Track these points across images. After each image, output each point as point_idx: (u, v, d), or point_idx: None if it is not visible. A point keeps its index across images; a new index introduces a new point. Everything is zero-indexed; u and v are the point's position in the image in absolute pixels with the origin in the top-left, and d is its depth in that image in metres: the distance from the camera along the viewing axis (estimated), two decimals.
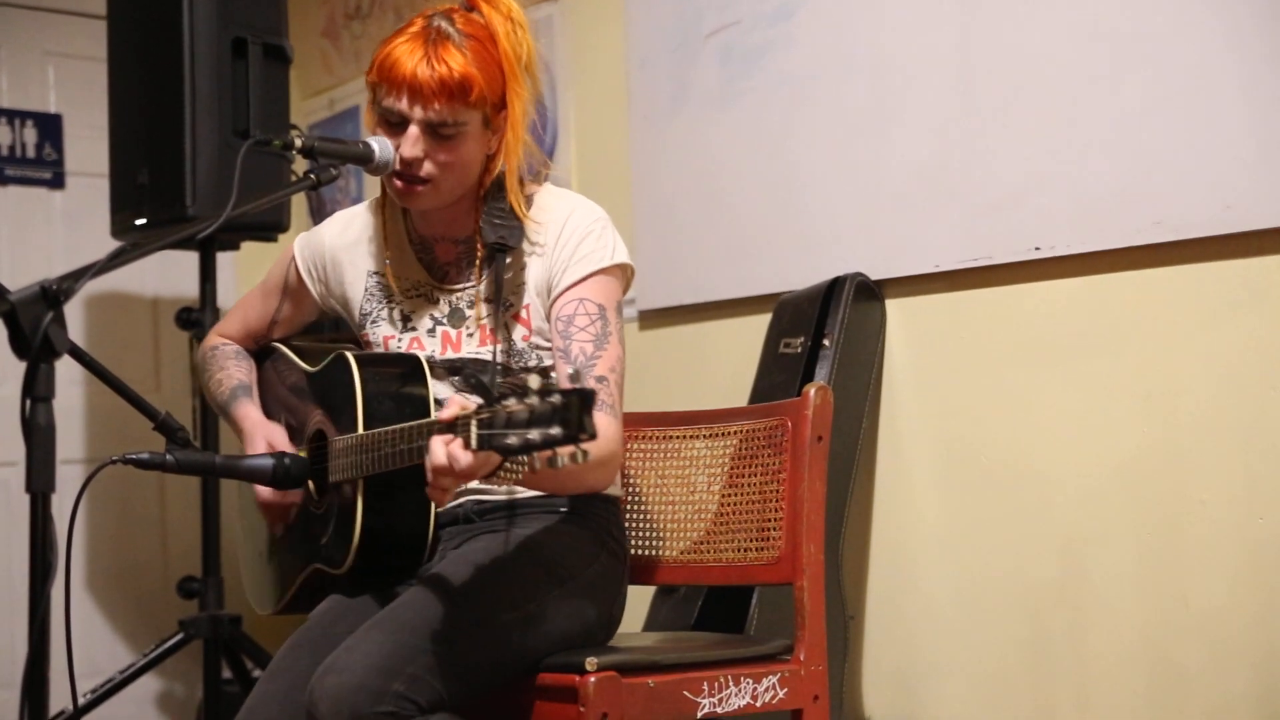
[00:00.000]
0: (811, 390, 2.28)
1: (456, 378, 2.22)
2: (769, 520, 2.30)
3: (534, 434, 1.65)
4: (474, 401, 1.79)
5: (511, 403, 1.68)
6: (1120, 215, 2.60)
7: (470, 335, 2.23)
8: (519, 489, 2.20)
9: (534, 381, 1.67)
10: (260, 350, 2.48)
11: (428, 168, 2.14)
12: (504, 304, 2.20)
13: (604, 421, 2.06)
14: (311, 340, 2.48)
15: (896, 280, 3.04)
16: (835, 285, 3.05)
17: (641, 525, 2.46)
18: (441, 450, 1.81)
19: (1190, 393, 2.55)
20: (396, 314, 2.28)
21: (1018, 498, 2.82)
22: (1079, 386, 2.72)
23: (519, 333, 2.21)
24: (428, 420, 1.93)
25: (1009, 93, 2.79)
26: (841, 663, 3.01)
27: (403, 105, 2.11)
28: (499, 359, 2.19)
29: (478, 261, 2.24)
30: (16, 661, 4.14)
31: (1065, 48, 2.69)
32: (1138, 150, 2.58)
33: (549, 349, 2.21)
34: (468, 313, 2.24)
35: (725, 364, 3.41)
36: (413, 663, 1.92)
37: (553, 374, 2.19)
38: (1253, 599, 2.46)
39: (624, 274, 2.23)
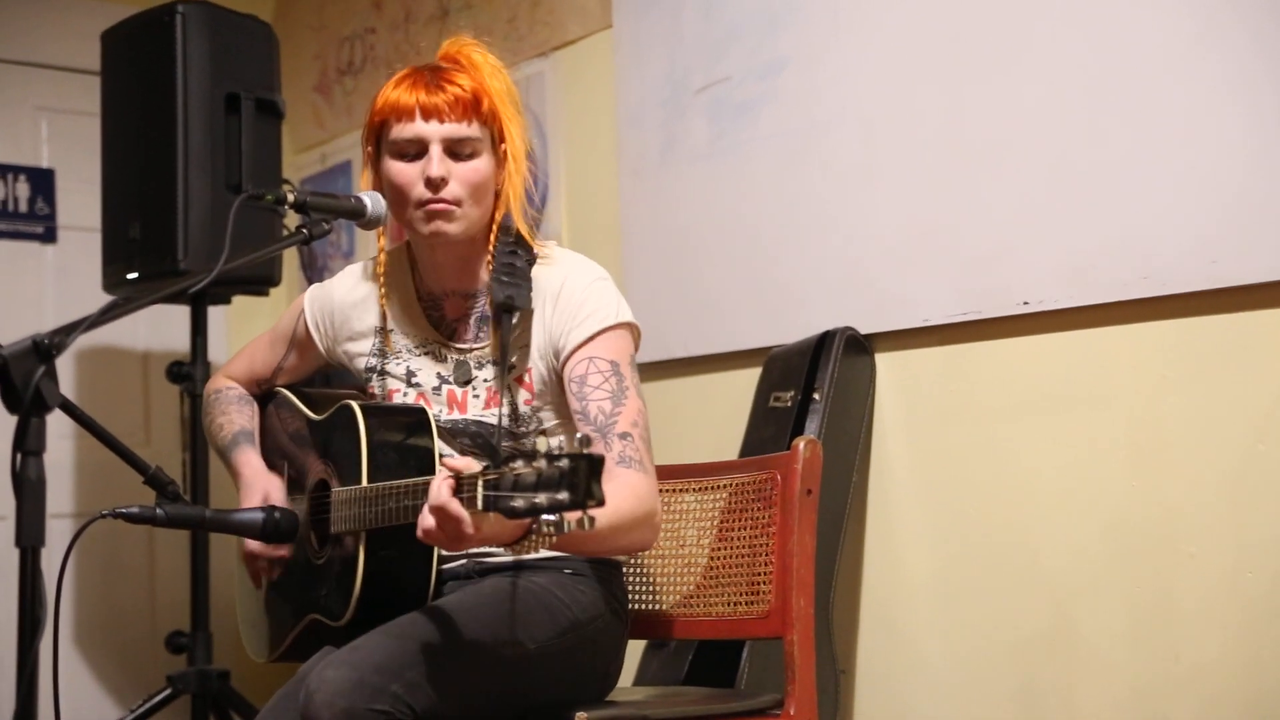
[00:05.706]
0: (801, 444, 2.28)
1: (464, 439, 2.21)
2: (759, 574, 2.30)
3: (540, 498, 1.64)
4: (481, 462, 1.79)
5: (519, 465, 1.68)
6: (1108, 270, 2.62)
7: (476, 396, 2.22)
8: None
9: (542, 444, 1.66)
10: (265, 394, 2.48)
11: (454, 188, 2.14)
12: (509, 366, 2.19)
13: (635, 479, 2.05)
14: (318, 388, 2.48)
15: (886, 334, 3.05)
16: (825, 339, 3.06)
17: (632, 579, 2.45)
18: (441, 490, 1.79)
19: (1178, 446, 2.55)
20: (402, 371, 2.27)
21: (1007, 551, 2.82)
22: (1068, 440, 2.72)
23: (522, 396, 2.19)
24: (434, 477, 1.92)
25: (996, 148, 2.80)
26: (832, 717, 3.00)
27: (419, 127, 2.13)
28: (504, 423, 2.18)
29: (486, 320, 2.23)
30: (3, 717, 4.11)
31: (1052, 103, 2.71)
32: (1125, 205, 2.59)
33: (551, 412, 2.20)
34: (475, 373, 2.22)
35: (715, 417, 3.41)
36: (413, 669, 1.92)
37: (558, 440, 2.19)
38: (1243, 652, 2.46)
39: (631, 331, 2.21)
